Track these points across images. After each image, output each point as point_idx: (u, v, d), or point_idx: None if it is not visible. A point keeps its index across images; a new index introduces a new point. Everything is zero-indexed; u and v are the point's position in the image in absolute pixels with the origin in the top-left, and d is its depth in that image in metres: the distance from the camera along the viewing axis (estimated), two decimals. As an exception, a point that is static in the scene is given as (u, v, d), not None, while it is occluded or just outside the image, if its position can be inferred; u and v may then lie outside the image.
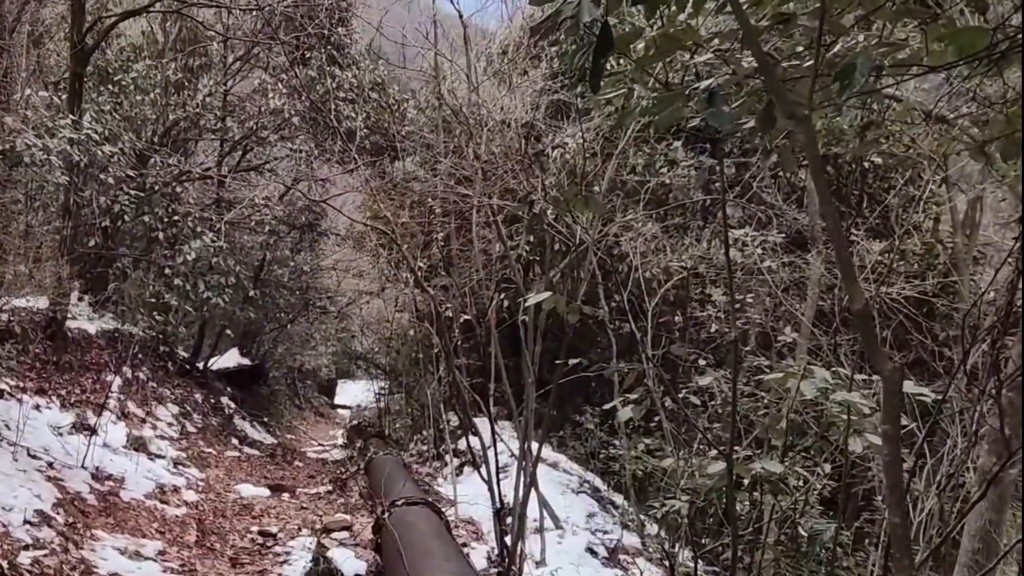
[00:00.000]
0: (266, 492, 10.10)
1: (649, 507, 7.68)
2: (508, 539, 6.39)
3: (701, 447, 6.26)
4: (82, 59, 10.30)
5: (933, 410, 3.96)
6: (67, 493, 7.16)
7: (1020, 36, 2.38)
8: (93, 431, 8.51)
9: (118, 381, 10.43)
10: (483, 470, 6.82)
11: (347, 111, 13.35)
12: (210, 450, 11.73)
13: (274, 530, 8.15)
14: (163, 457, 9.71)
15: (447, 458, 10.37)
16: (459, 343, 9.87)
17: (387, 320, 15.48)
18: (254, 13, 13.45)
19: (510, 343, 8.99)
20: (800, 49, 2.79)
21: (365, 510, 8.76)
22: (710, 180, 10.12)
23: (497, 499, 6.60)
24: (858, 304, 2.20)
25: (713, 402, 7.85)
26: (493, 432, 7.07)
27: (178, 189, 12.80)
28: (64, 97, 10.07)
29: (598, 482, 9.94)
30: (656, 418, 8.35)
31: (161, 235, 12.21)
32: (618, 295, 8.55)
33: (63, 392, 9.38)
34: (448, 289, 9.96)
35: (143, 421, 10.65)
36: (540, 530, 7.49)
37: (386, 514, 6.43)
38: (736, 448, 4.21)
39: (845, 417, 3.79)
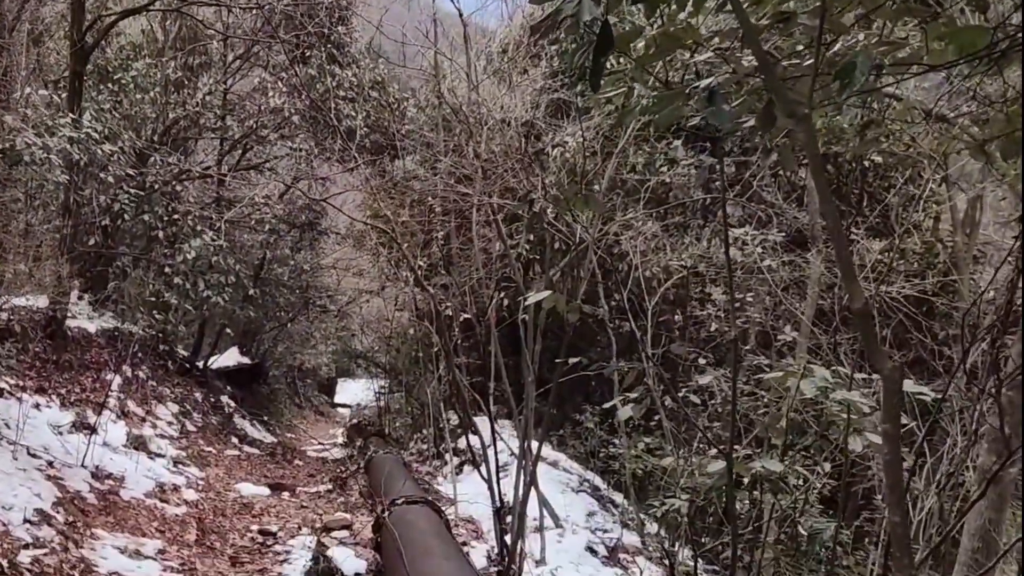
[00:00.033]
0: (266, 491, 10.10)
1: (649, 506, 7.69)
2: (508, 538, 6.40)
3: (701, 446, 6.26)
4: (82, 57, 10.30)
5: (933, 409, 3.96)
6: (67, 492, 7.17)
7: (1020, 35, 2.38)
8: (93, 430, 8.50)
9: (118, 380, 10.43)
10: (483, 469, 6.82)
11: (347, 110, 13.35)
12: (210, 449, 11.73)
13: (274, 529, 8.15)
14: (163, 456, 9.71)
15: (447, 457, 10.37)
16: (459, 342, 9.88)
17: (387, 319, 15.48)
18: (254, 11, 13.45)
19: (510, 342, 9.00)
20: (800, 48, 2.78)
21: (365, 509, 8.76)
22: (710, 179, 10.11)
23: (497, 498, 6.61)
24: (858, 303, 2.20)
25: (713, 401, 7.85)
26: (493, 431, 7.07)
27: (178, 188, 12.79)
28: (64, 96, 10.06)
29: (598, 481, 9.94)
30: (656, 417, 8.36)
31: (161, 234, 12.21)
32: (618, 294, 8.55)
33: (63, 391, 9.38)
34: (448, 288, 9.97)
35: (143, 420, 10.65)
36: (540, 529, 7.49)
37: (386, 513, 6.44)
38: (736, 447, 4.21)
39: (845, 416, 3.79)
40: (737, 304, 8.95)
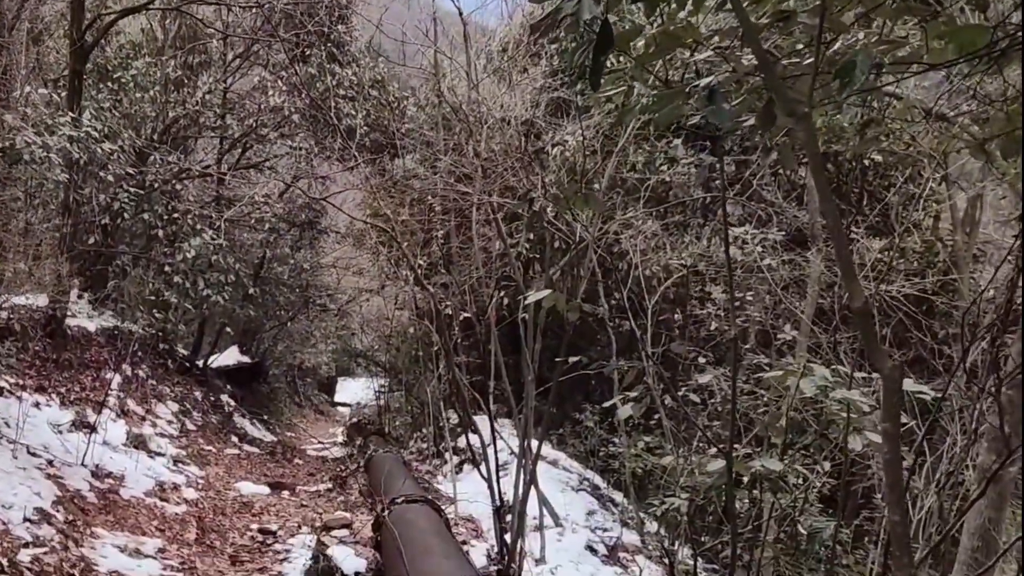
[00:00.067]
0: (266, 490, 10.11)
1: (649, 505, 7.69)
2: (508, 537, 6.40)
3: (701, 445, 6.26)
4: (82, 56, 10.29)
5: (933, 408, 3.97)
6: (67, 491, 7.17)
7: (1020, 34, 2.38)
8: (93, 429, 8.51)
9: (118, 379, 10.43)
10: (483, 468, 6.82)
11: (347, 108, 13.35)
12: (210, 448, 11.73)
13: (274, 528, 8.15)
14: (163, 455, 9.71)
15: (447, 456, 10.37)
16: (459, 341, 9.88)
17: (387, 318, 15.48)
18: (254, 10, 13.44)
19: (510, 341, 8.99)
20: (800, 47, 2.78)
21: (365, 508, 8.76)
22: (710, 178, 10.11)
23: (497, 497, 6.60)
24: (858, 302, 2.20)
25: (713, 400, 7.85)
26: (493, 430, 7.07)
27: (178, 187, 12.78)
28: (64, 95, 10.05)
29: (598, 480, 9.94)
30: (656, 416, 8.36)
31: (161, 233, 12.21)
32: (618, 293, 8.54)
33: (63, 390, 9.38)
34: (448, 287, 9.97)
35: (143, 419, 10.65)
36: (540, 528, 7.50)
37: (386, 512, 6.44)
38: (736, 446, 4.21)
39: (845, 415, 3.79)
40: (737, 303, 8.95)
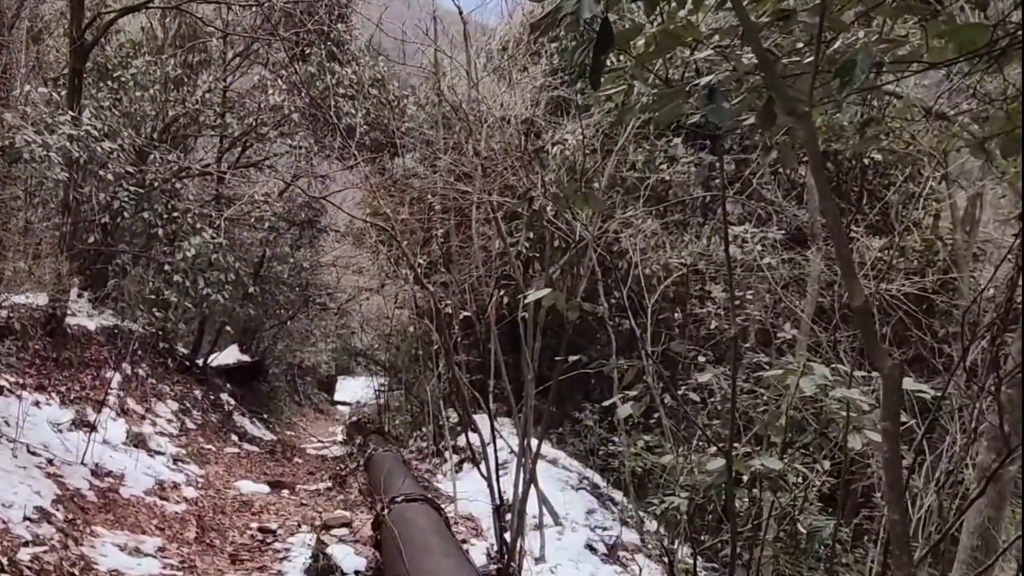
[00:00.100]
0: (266, 488, 10.11)
1: (648, 504, 7.69)
2: (507, 535, 6.40)
3: (700, 444, 6.26)
4: (81, 55, 10.29)
5: (932, 407, 3.97)
6: (67, 490, 7.17)
7: (1020, 33, 2.38)
8: (93, 428, 8.51)
9: (118, 378, 10.42)
10: (483, 467, 6.82)
11: (347, 107, 13.34)
12: (209, 447, 11.74)
13: (274, 526, 8.16)
14: (163, 454, 9.71)
15: (446, 455, 10.38)
16: (459, 340, 9.87)
17: (387, 316, 15.48)
18: (254, 9, 13.43)
19: (510, 340, 9.00)
20: (800, 45, 2.78)
21: (365, 506, 8.76)
22: (710, 176, 10.11)
23: (497, 496, 6.61)
24: (858, 301, 2.20)
25: (712, 399, 7.85)
26: (493, 429, 7.07)
27: (177, 185, 12.78)
28: (63, 93, 10.05)
29: (597, 479, 9.95)
30: (655, 415, 8.36)
31: (161, 231, 12.21)
32: (618, 292, 8.55)
33: (63, 389, 9.38)
34: (448, 286, 9.97)
35: (143, 418, 10.66)
36: (539, 526, 7.50)
37: (386, 511, 6.44)
38: (735, 445, 4.21)
39: (844, 414, 3.79)
40: (737, 302, 8.95)
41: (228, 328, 16.45)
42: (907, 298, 8.26)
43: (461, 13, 10.70)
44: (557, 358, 5.39)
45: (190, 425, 12.03)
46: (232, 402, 15.58)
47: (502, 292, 8.79)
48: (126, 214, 11.67)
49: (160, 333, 12.85)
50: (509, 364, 7.95)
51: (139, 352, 11.66)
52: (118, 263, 12.92)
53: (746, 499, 5.28)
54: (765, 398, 6.35)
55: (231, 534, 7.85)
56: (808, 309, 8.70)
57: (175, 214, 12.33)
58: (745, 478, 4.37)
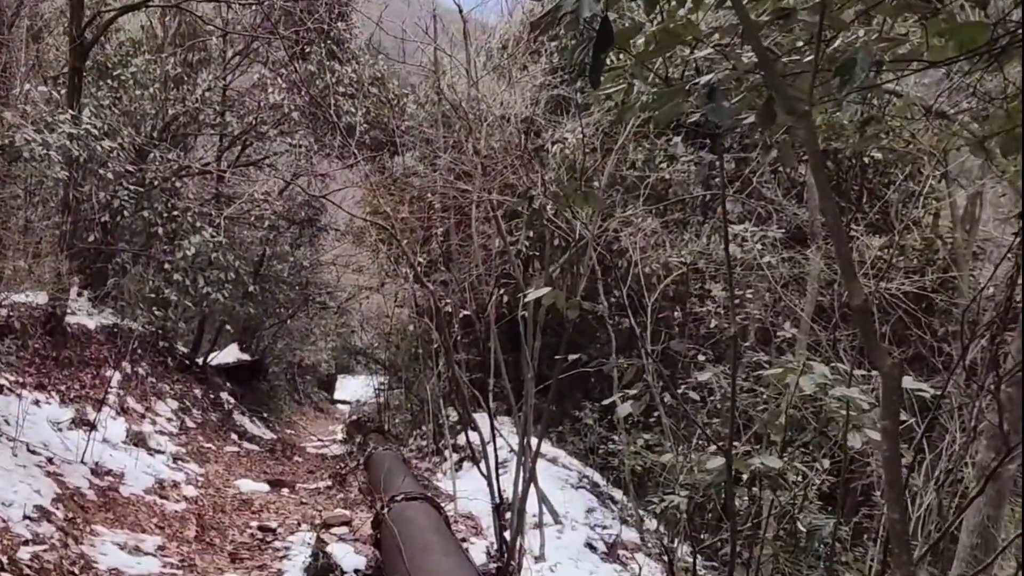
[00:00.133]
0: (265, 487, 10.11)
1: (648, 502, 7.69)
2: (507, 534, 6.40)
3: (700, 442, 6.26)
4: (81, 54, 10.28)
5: (932, 406, 3.97)
6: (67, 488, 7.17)
7: (1020, 31, 2.38)
8: (92, 426, 8.51)
9: (117, 376, 10.42)
10: (482, 465, 6.83)
11: (347, 106, 13.33)
12: (209, 445, 11.74)
13: (273, 525, 8.16)
14: (162, 452, 9.72)
15: (446, 453, 10.38)
16: (459, 338, 9.87)
17: (387, 315, 15.49)
18: (253, 8, 13.42)
19: (509, 338, 9.00)
20: (800, 44, 2.78)
21: (364, 505, 8.77)
22: (710, 175, 10.12)
23: (496, 494, 6.61)
24: (857, 300, 2.20)
25: (712, 398, 7.85)
26: (492, 427, 7.08)
27: (177, 184, 12.78)
28: (63, 92, 10.05)
29: (597, 477, 9.95)
30: (655, 413, 8.36)
31: (160, 230, 12.21)
32: (617, 290, 8.55)
33: (63, 387, 9.39)
34: (448, 284, 9.97)
35: (142, 416, 10.66)
36: (539, 525, 7.50)
37: (385, 509, 6.44)
38: (735, 444, 4.21)
39: (844, 413, 3.79)
40: (737, 301, 8.95)
41: (228, 327, 16.46)
42: (907, 297, 8.27)
43: (461, 11, 10.69)
44: (557, 357, 5.39)
45: (190, 424, 12.03)
46: (232, 401, 15.58)
47: (502, 291, 8.79)
48: (126, 213, 11.67)
49: (160, 332, 12.85)
50: (509, 363, 7.95)
51: (139, 351, 11.67)
52: (118, 262, 12.92)
53: (746, 498, 5.28)
54: (765, 397, 6.36)
55: (231, 533, 7.85)
56: (808, 308, 8.70)
57: (175, 213, 12.32)
58: (745, 477, 4.37)
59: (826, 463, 5.05)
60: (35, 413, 8.31)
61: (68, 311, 10.40)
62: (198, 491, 9.05)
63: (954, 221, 10.04)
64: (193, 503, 8.57)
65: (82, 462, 7.88)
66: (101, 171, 10.69)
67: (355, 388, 24.39)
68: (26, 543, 5.73)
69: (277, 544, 7.61)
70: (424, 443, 12.29)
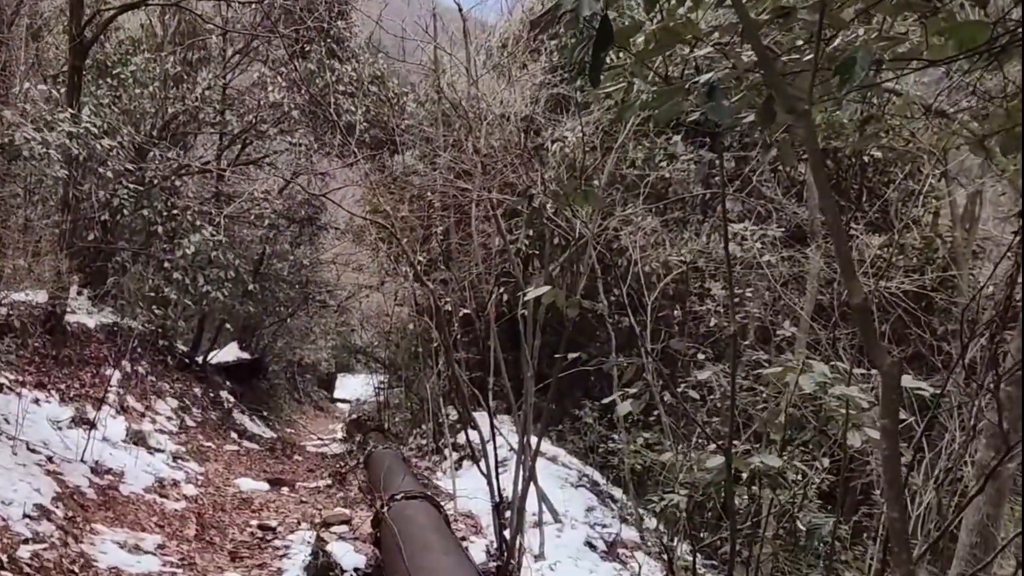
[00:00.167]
0: (265, 486, 10.11)
1: (648, 501, 7.70)
2: (507, 533, 6.40)
3: (700, 441, 6.27)
4: (81, 52, 10.27)
5: (932, 404, 3.97)
6: (66, 487, 7.17)
7: (1020, 30, 2.38)
8: (92, 425, 8.51)
9: (117, 375, 10.43)
10: (482, 464, 6.83)
11: (347, 105, 13.33)
12: (209, 444, 11.74)
13: (273, 524, 8.16)
14: (162, 451, 9.72)
15: (446, 452, 10.38)
16: (458, 337, 9.87)
17: (387, 314, 15.48)
18: (253, 6, 13.42)
19: (509, 337, 9.00)
20: (800, 43, 2.78)
21: (364, 504, 8.77)
22: (710, 174, 10.11)
23: (496, 493, 6.61)
24: (857, 298, 2.20)
25: (712, 396, 7.86)
26: (492, 426, 7.08)
27: (177, 183, 12.77)
28: (63, 90, 10.04)
29: (597, 476, 9.96)
30: (655, 412, 8.36)
31: (160, 229, 12.20)
32: (617, 289, 8.55)
33: (62, 386, 9.39)
34: (447, 283, 9.96)
35: (142, 415, 10.66)
36: (539, 524, 7.50)
37: (385, 508, 6.44)
38: (735, 442, 4.21)
39: (844, 411, 3.79)
40: (736, 299, 8.95)
41: (228, 325, 16.45)
42: (906, 296, 8.27)
43: (461, 10, 10.70)
44: (557, 355, 5.40)
45: (190, 423, 12.03)
46: (232, 399, 15.58)
47: (502, 289, 8.79)
48: (126, 211, 11.66)
49: (160, 330, 12.84)
50: (509, 361, 7.95)
51: (139, 349, 11.66)
52: (118, 260, 12.92)
53: (745, 496, 5.29)
54: (764, 395, 6.36)
55: (231, 531, 7.86)
56: (807, 307, 8.70)
57: (175, 211, 12.31)
58: (744, 475, 4.38)
59: (826, 462, 5.05)
60: (35, 412, 8.31)
61: (68, 310, 10.40)
62: (198, 490, 9.06)
63: (954, 220, 10.04)
64: (193, 502, 8.57)
65: (82, 461, 7.88)
66: (101, 170, 10.69)
67: (355, 387, 24.40)
68: (26, 541, 5.73)
69: (277, 543, 7.61)
70: (424, 442, 12.29)
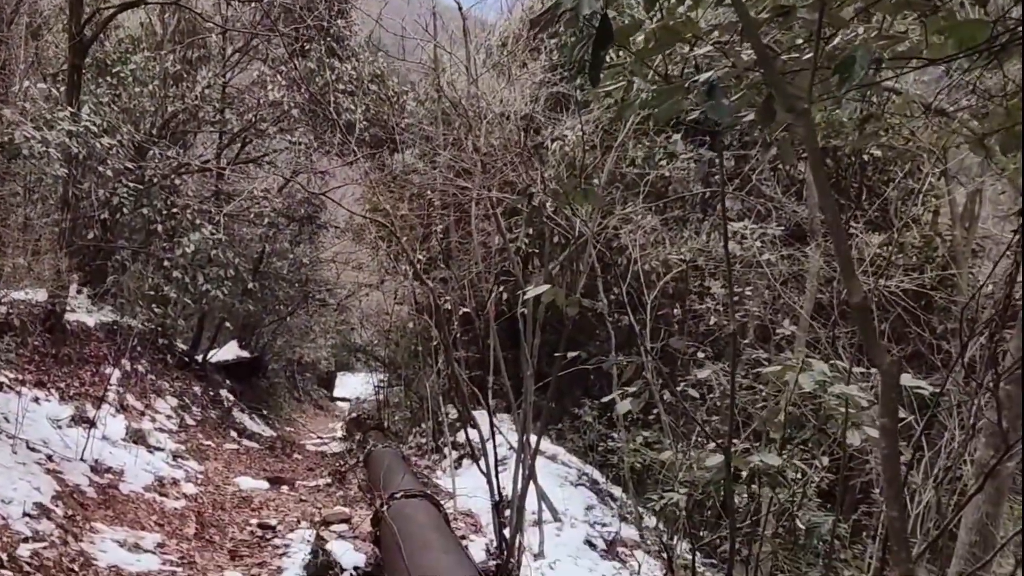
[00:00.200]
0: (265, 485, 10.12)
1: (647, 499, 7.70)
2: (507, 531, 6.41)
3: (699, 440, 6.27)
4: (80, 51, 10.27)
5: (931, 403, 3.97)
6: (66, 486, 7.17)
7: (1020, 29, 2.38)
8: (92, 424, 8.51)
9: (117, 374, 10.43)
10: (482, 463, 6.83)
11: (346, 103, 13.32)
12: (209, 443, 11.74)
13: (273, 523, 8.17)
14: (162, 450, 9.72)
15: (446, 451, 10.39)
16: (458, 336, 9.87)
17: (386, 313, 15.49)
18: (253, 4, 13.42)
19: (509, 336, 9.00)
20: (800, 42, 2.78)
21: (364, 503, 8.78)
22: (709, 173, 10.10)
23: (496, 492, 6.61)
24: (856, 297, 2.20)
25: (711, 395, 7.86)
26: (492, 425, 7.08)
27: (177, 181, 12.77)
28: (62, 89, 10.04)
29: (596, 475, 9.96)
30: (655, 411, 8.37)
31: (160, 227, 12.20)
32: (617, 288, 8.56)
33: (62, 385, 9.39)
34: (447, 282, 9.96)
35: (142, 414, 10.66)
36: (539, 522, 7.51)
37: (385, 507, 6.45)
38: (734, 441, 4.22)
39: (843, 410, 3.79)
40: (736, 298, 8.95)
41: (227, 324, 16.44)
42: (906, 294, 8.27)
43: (460, 9, 10.70)
44: (556, 354, 5.40)
45: (189, 421, 12.03)
46: (231, 398, 15.58)
47: (501, 288, 8.79)
48: (125, 210, 11.65)
49: (159, 329, 12.84)
50: (508, 360, 7.95)
51: (138, 348, 11.67)
52: (117, 259, 12.92)
53: (745, 495, 5.29)
54: (764, 394, 6.37)
55: (230, 530, 7.86)
56: (807, 305, 8.70)
57: (174, 210, 12.31)
58: (744, 474, 4.38)
59: (825, 460, 5.05)
60: (35, 410, 8.31)
61: (67, 308, 10.40)
62: (198, 488, 9.06)
63: (953, 218, 10.04)
64: (193, 500, 8.57)
65: (82, 459, 7.88)
66: (100, 168, 10.68)
67: (355, 385, 24.39)
68: (26, 540, 5.73)
69: (277, 541, 7.61)
70: (423, 440, 12.30)
